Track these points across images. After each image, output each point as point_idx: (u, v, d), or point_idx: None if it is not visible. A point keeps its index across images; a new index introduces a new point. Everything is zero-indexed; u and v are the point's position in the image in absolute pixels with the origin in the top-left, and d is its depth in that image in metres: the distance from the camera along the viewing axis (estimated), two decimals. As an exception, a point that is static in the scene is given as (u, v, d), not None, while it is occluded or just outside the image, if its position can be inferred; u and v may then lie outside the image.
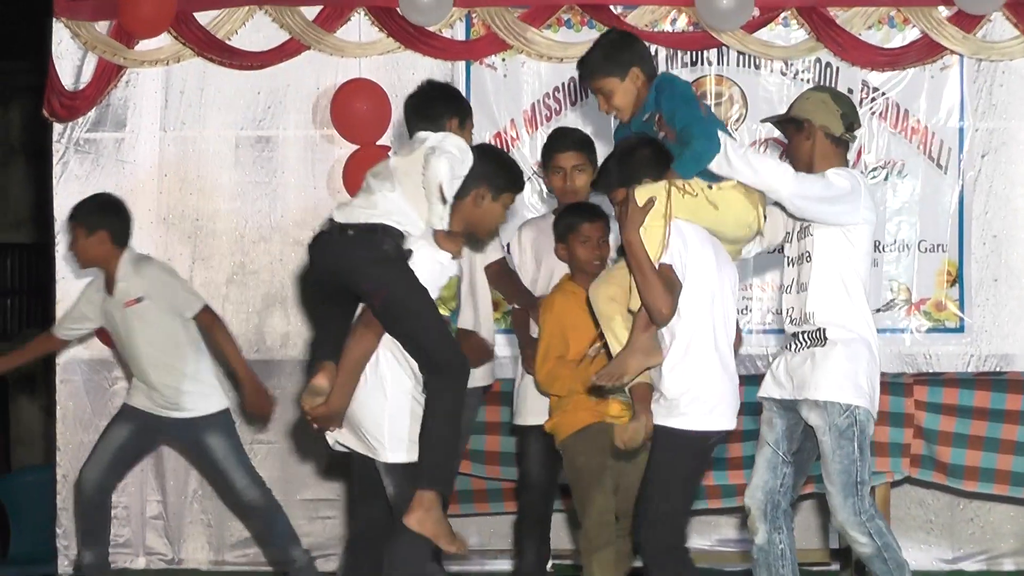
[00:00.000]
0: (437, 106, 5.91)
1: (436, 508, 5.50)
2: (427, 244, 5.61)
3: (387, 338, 5.59)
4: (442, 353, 5.56)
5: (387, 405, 5.58)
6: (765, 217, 5.86)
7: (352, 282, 5.61)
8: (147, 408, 7.52)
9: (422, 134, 5.76)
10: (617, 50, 5.97)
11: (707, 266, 5.69)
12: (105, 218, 7.44)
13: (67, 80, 8.61)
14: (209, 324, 7.50)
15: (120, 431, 7.56)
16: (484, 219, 5.84)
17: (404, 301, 5.53)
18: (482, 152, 5.87)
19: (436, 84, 6.15)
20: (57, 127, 8.64)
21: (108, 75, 8.59)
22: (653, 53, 7.64)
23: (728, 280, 5.81)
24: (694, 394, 5.66)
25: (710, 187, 5.69)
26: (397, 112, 8.27)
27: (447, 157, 5.56)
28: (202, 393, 7.53)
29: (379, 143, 8.33)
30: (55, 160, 8.64)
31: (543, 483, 7.03)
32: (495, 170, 5.82)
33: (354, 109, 8.38)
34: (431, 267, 5.60)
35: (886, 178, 8.50)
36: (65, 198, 8.51)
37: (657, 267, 5.58)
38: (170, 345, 7.47)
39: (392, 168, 5.70)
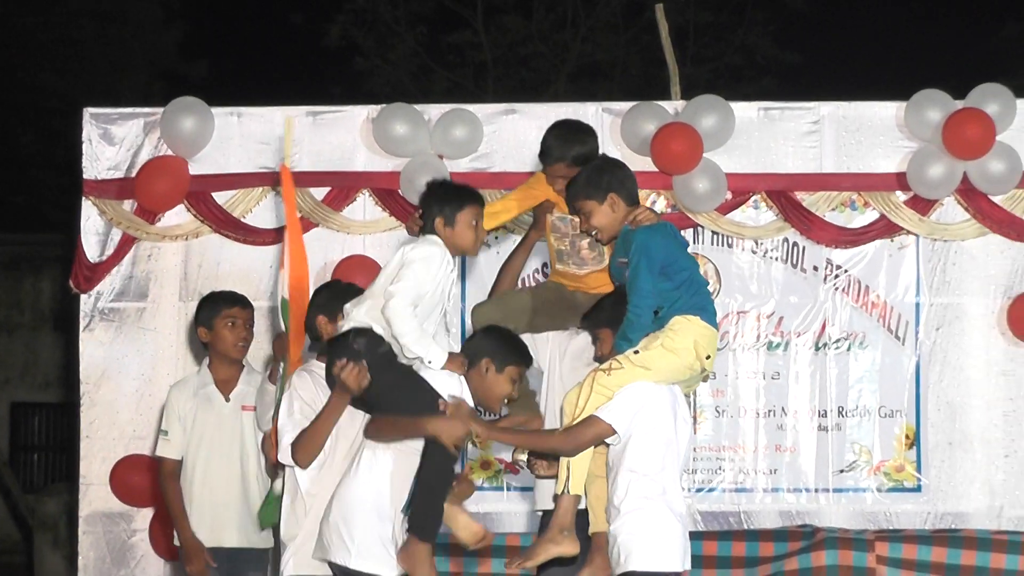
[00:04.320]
0: (424, 213, 6.31)
1: (429, 557, 5.91)
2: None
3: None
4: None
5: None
6: (709, 356, 6.14)
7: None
8: (208, 542, 7.43)
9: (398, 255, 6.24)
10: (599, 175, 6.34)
11: (663, 423, 6.05)
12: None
13: (92, 253, 8.96)
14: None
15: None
16: (490, 389, 6.24)
17: (379, 387, 6.05)
18: (488, 330, 6.36)
19: (430, 185, 6.41)
20: (84, 297, 8.94)
21: (127, 248, 8.94)
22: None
23: (684, 435, 6.18)
24: (648, 536, 5.92)
25: (636, 352, 6.00)
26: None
27: (402, 299, 6.02)
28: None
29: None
30: (82, 327, 8.95)
31: None
32: (500, 346, 6.27)
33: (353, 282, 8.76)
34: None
35: (848, 348, 8.84)
36: (90, 362, 8.92)
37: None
38: (256, 463, 7.48)
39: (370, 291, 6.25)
